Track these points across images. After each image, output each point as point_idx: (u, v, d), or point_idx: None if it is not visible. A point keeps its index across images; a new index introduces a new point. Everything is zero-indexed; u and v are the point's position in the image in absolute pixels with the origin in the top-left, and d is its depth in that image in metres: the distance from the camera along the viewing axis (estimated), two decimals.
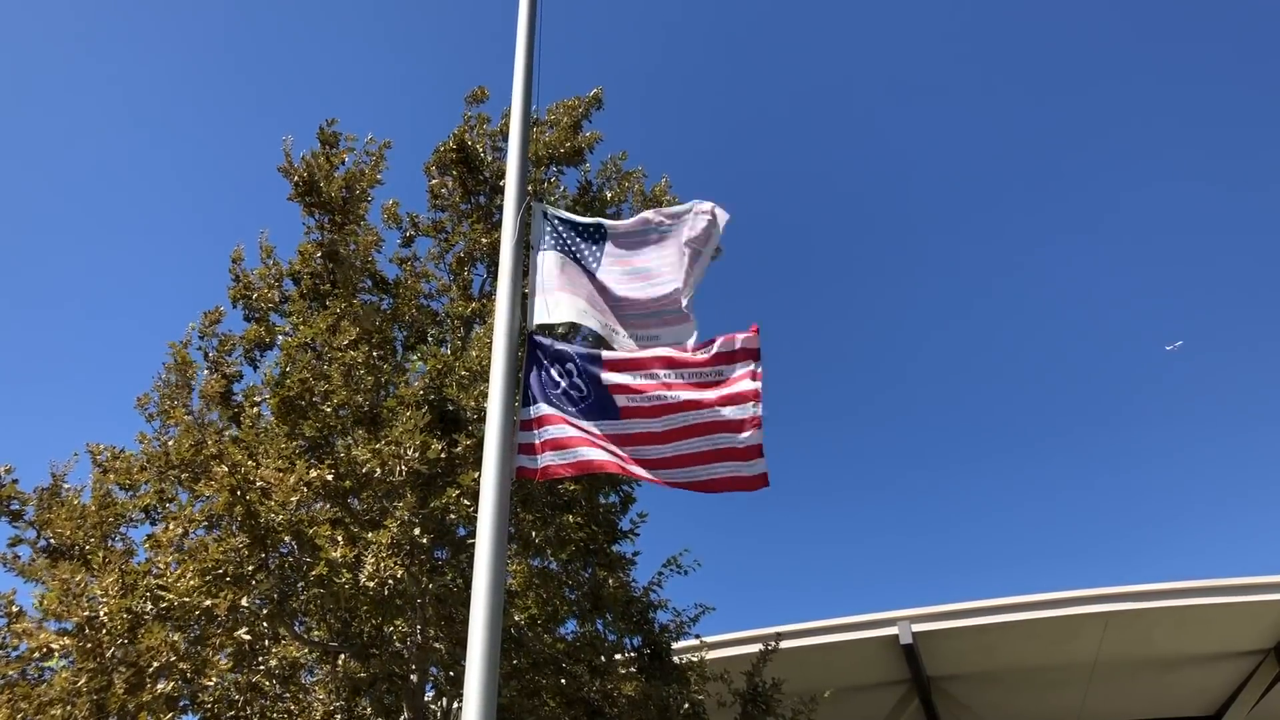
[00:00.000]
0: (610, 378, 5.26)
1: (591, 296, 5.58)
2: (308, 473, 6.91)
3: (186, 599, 6.31)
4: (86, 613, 6.43)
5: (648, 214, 5.90)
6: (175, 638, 6.39)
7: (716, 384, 5.24)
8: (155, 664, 6.27)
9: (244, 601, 6.57)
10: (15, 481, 8.79)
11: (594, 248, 5.74)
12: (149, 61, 31.10)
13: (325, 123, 9.07)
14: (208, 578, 6.44)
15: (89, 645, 6.36)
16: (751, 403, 5.19)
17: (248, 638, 6.69)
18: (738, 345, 5.30)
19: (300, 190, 8.90)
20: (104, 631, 6.35)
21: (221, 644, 6.58)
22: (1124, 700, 16.41)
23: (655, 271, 5.65)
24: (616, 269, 5.67)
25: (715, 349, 5.30)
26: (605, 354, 5.39)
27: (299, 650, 7.65)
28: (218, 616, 6.46)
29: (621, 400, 5.22)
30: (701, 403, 5.18)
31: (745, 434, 5.14)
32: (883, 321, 36.34)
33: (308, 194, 8.89)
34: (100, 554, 8.13)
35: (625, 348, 5.46)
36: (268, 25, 31.75)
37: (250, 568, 6.61)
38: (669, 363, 5.30)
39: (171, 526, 7.20)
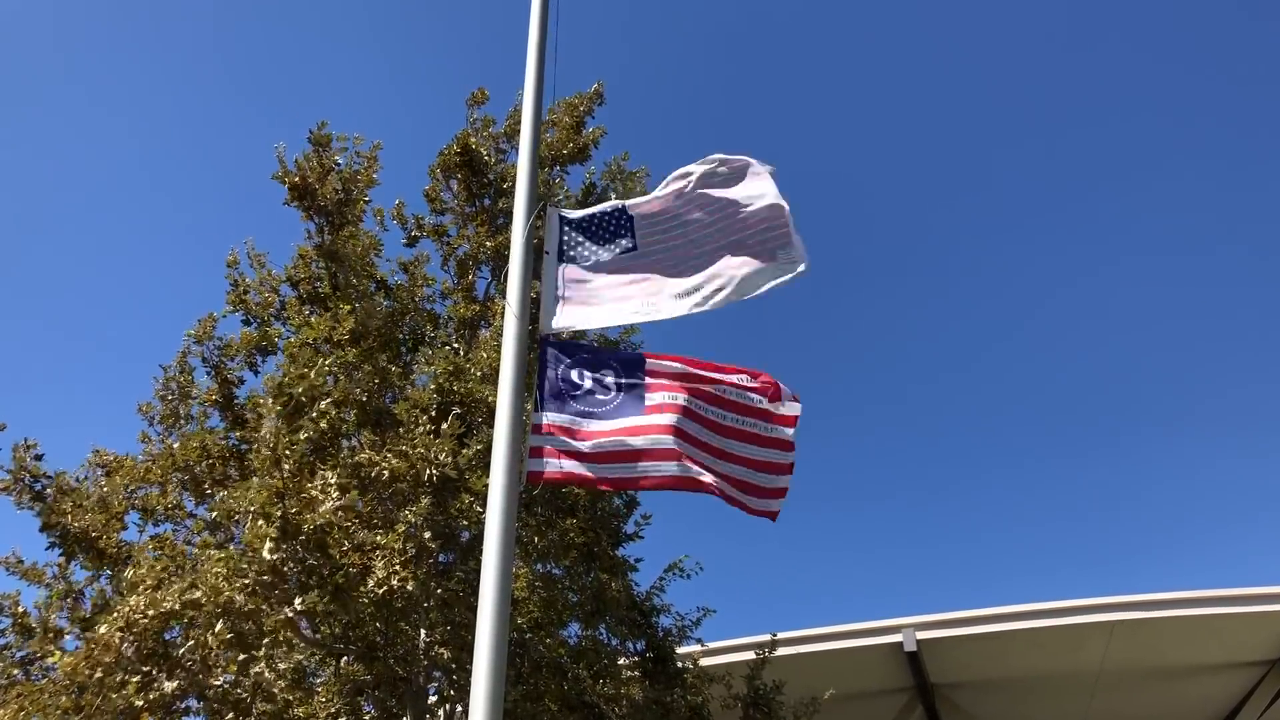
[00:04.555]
0: (651, 381, 5.25)
1: (616, 289, 5.51)
2: (337, 489, 6.86)
3: (218, 598, 6.27)
4: (133, 603, 6.35)
5: (679, 184, 5.78)
6: (219, 627, 6.32)
7: (760, 414, 5.32)
8: (190, 660, 6.23)
9: (299, 605, 6.52)
10: (40, 457, 8.70)
11: (620, 240, 5.68)
12: (150, 67, 31.20)
13: (316, 125, 9.08)
14: (248, 582, 6.40)
15: (128, 638, 6.28)
16: (789, 452, 5.32)
17: (269, 643, 6.66)
18: (783, 406, 5.37)
19: (296, 194, 8.89)
20: (134, 630, 6.28)
21: (262, 641, 6.54)
22: (1129, 710, 16.35)
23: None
24: (655, 246, 5.62)
25: (764, 392, 5.37)
26: (649, 359, 5.38)
27: (304, 651, 7.64)
28: (269, 624, 6.41)
29: (655, 398, 5.19)
30: (741, 430, 5.24)
31: (775, 476, 5.25)
32: (889, 326, 36.32)
33: (303, 197, 8.89)
34: (116, 548, 8.14)
35: (674, 297, 5.41)
36: (270, 29, 31.84)
37: (272, 568, 6.59)
38: (716, 380, 5.32)
39: (236, 497, 7.16)
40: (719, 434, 5.20)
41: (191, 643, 6.38)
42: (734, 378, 5.33)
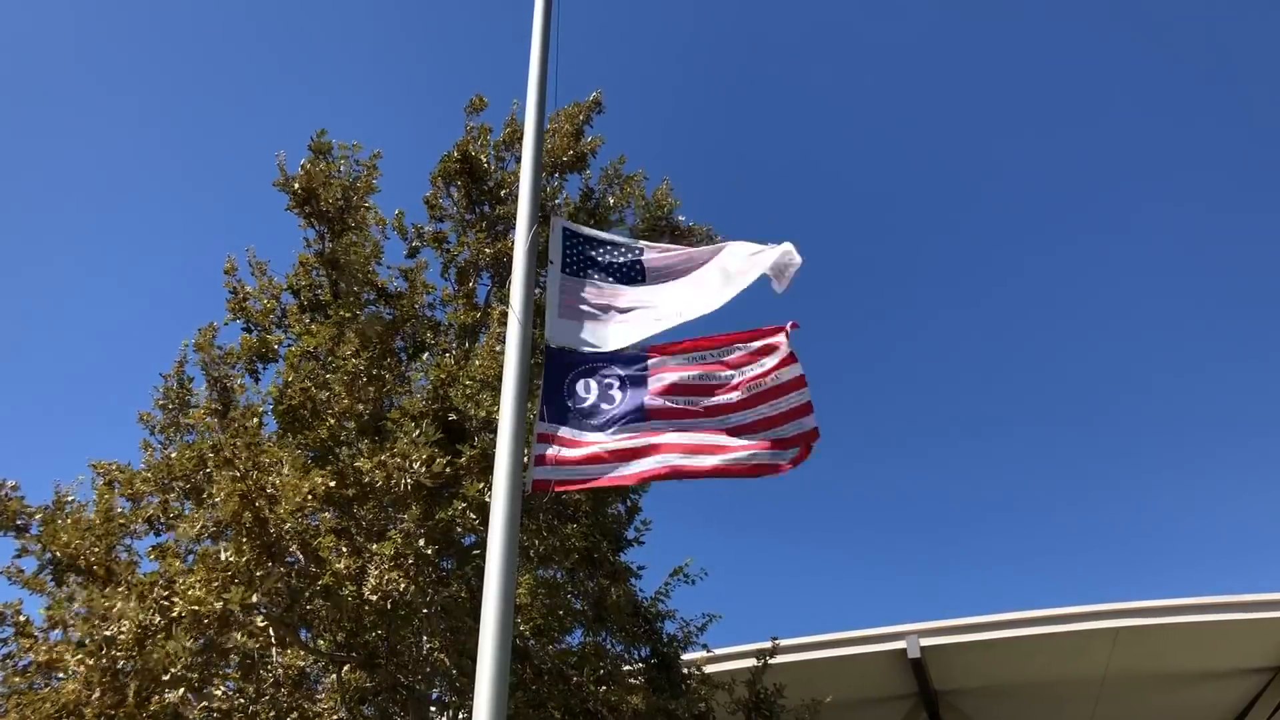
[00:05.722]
0: (654, 381, 5.27)
1: (620, 310, 5.56)
2: (316, 482, 6.87)
3: (196, 606, 6.25)
4: (106, 633, 6.36)
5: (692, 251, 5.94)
6: (188, 643, 6.30)
7: (767, 373, 5.34)
8: (169, 673, 6.20)
9: (254, 598, 6.50)
10: (22, 498, 8.76)
11: (627, 269, 5.73)
12: (146, 71, 31.27)
13: (316, 134, 9.10)
14: (216, 584, 6.38)
15: (104, 662, 6.28)
16: (797, 391, 5.32)
17: (256, 645, 6.64)
18: (776, 344, 5.43)
19: (298, 200, 8.92)
20: (117, 648, 6.29)
21: (231, 648, 6.51)
22: (1133, 716, 16.31)
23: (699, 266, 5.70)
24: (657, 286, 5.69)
25: (756, 345, 5.41)
26: (651, 359, 5.41)
27: (305, 659, 7.62)
28: (231, 618, 6.39)
29: (657, 402, 5.20)
30: (755, 394, 5.27)
31: (800, 419, 5.25)
32: (891, 329, 36.34)
33: (306, 204, 8.92)
34: (105, 566, 8.10)
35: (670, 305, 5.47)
36: (268, 35, 31.93)
37: (259, 574, 6.58)
38: (720, 351, 5.37)
39: (186, 528, 7.16)
40: (731, 410, 5.21)
41: (184, 654, 6.36)
42: (736, 352, 5.37)
